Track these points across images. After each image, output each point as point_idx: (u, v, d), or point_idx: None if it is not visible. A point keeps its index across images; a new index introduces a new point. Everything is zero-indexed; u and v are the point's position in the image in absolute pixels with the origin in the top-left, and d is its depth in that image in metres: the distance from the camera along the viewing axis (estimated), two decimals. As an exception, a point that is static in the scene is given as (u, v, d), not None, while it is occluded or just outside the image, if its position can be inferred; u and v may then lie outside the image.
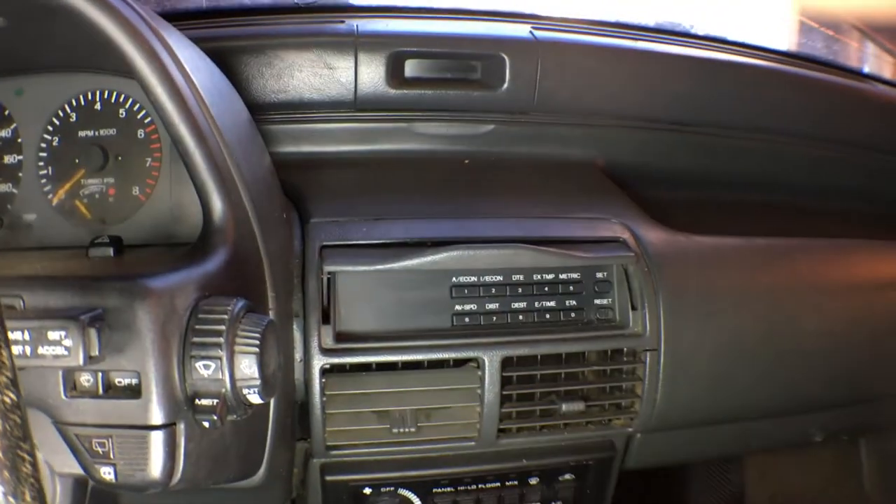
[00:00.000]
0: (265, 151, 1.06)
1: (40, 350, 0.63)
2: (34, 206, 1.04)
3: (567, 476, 1.20)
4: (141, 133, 1.04)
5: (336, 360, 1.05)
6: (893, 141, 1.59)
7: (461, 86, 1.30)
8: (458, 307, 1.12)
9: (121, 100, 1.04)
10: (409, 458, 1.14)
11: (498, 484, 1.18)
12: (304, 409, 1.07)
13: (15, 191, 1.04)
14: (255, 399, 0.73)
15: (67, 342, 0.63)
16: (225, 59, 1.16)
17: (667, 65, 1.42)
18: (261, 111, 1.23)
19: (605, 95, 1.37)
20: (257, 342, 0.72)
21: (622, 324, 1.17)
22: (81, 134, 1.04)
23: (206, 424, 0.72)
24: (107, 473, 0.70)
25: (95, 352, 0.65)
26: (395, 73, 1.27)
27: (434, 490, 1.16)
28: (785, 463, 1.90)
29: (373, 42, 1.25)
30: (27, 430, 0.46)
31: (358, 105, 1.28)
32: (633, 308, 1.16)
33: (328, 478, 1.12)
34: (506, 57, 1.29)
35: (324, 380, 1.05)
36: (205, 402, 0.72)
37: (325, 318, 1.06)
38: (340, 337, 1.07)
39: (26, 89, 1.05)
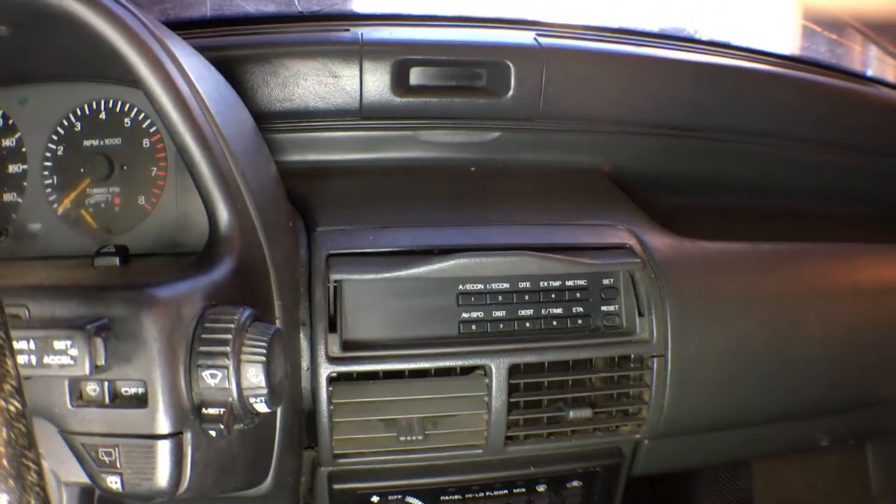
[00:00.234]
0: (271, 160, 1.06)
1: (46, 359, 0.63)
2: (39, 216, 1.04)
3: (575, 483, 1.20)
4: (146, 142, 1.04)
5: (343, 369, 1.05)
6: (897, 144, 1.60)
7: (466, 93, 1.30)
8: (464, 315, 1.12)
9: (125, 109, 1.04)
10: (416, 465, 1.13)
11: (505, 491, 1.18)
12: (311, 417, 1.07)
13: (20, 200, 1.04)
14: (261, 408, 0.73)
15: (73, 351, 0.63)
16: (230, 68, 1.16)
17: (671, 70, 1.42)
18: (266, 120, 1.23)
19: (610, 101, 1.37)
20: (264, 351, 0.72)
21: (629, 330, 1.16)
22: (86, 143, 1.04)
23: (213, 433, 0.72)
24: (113, 483, 0.70)
25: (101, 361, 0.64)
26: (400, 81, 1.27)
27: (441, 498, 1.16)
28: (792, 468, 1.90)
29: (378, 50, 1.25)
30: (32, 439, 0.46)
31: (363, 113, 1.28)
32: (640, 314, 1.16)
33: (336, 486, 1.12)
34: (510, 64, 1.29)
35: (331, 388, 1.05)
36: (211, 410, 0.71)
37: (332, 327, 1.06)
38: (347, 345, 1.06)
39: (30, 98, 1.05)
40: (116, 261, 0.87)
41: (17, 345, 0.61)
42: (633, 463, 1.26)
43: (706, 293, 1.22)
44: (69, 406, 0.69)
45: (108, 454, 0.70)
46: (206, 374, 0.71)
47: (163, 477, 0.70)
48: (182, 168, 1.00)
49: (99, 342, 0.64)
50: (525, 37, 1.35)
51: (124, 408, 0.70)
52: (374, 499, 1.13)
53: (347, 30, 1.31)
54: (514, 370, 1.09)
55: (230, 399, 0.71)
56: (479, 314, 1.12)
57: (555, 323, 1.15)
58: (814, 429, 1.45)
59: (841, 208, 1.65)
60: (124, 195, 1.04)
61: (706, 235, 1.29)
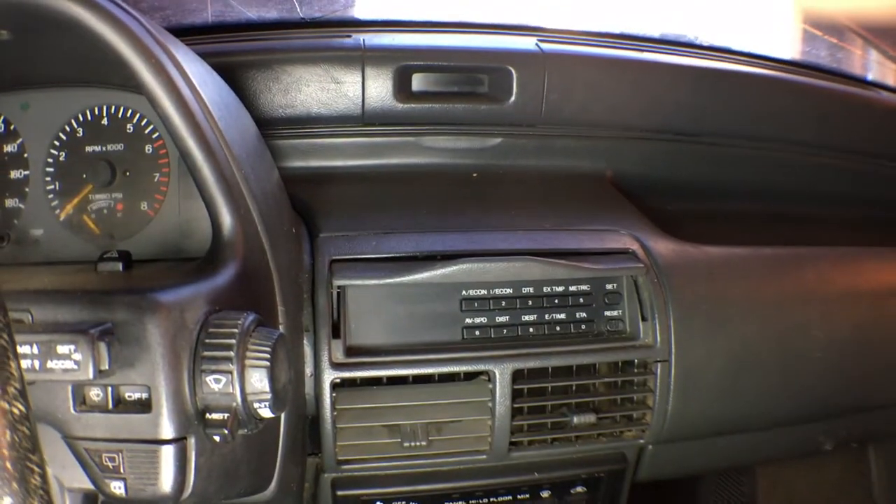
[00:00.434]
0: (273, 166, 1.06)
1: (49, 364, 0.62)
2: (41, 222, 1.04)
3: (579, 488, 1.20)
4: (149, 148, 1.04)
5: (346, 375, 1.05)
6: (898, 147, 1.60)
7: (468, 99, 1.30)
8: (468, 320, 1.12)
9: (128, 115, 1.04)
10: (420, 472, 1.13)
11: (509, 497, 1.18)
12: (314, 423, 1.06)
13: (21, 206, 1.04)
14: (265, 413, 0.73)
15: (77, 356, 0.62)
16: (232, 74, 1.16)
17: (672, 75, 1.42)
18: (268, 126, 1.23)
19: (612, 106, 1.37)
20: (268, 356, 0.72)
21: (633, 335, 1.16)
22: (89, 149, 1.04)
23: (217, 439, 0.72)
24: (117, 488, 0.70)
25: (105, 366, 0.64)
26: (402, 87, 1.27)
27: (445, 504, 1.16)
28: (795, 472, 1.89)
29: (380, 56, 1.25)
30: (36, 442, 0.45)
31: (365, 119, 1.28)
32: (644, 319, 1.16)
33: (339, 492, 1.11)
34: (512, 70, 1.29)
35: (334, 394, 1.05)
36: (215, 416, 0.71)
37: (336, 333, 1.06)
38: (351, 351, 1.06)
39: (32, 104, 1.05)
40: (119, 266, 0.87)
41: (20, 349, 0.61)
42: (637, 468, 1.26)
43: (709, 298, 1.21)
44: (72, 411, 0.69)
45: (112, 459, 0.69)
46: (209, 378, 0.70)
47: (167, 482, 0.70)
48: (185, 173, 1.00)
49: (102, 347, 0.64)
50: (527, 42, 1.35)
51: (128, 413, 0.69)
52: (378, 505, 1.13)
53: (349, 36, 1.31)
54: (517, 375, 1.09)
55: (234, 404, 0.71)
56: (483, 319, 1.12)
57: (558, 328, 1.14)
58: (817, 432, 1.44)
59: (843, 212, 1.64)
60: (127, 201, 1.04)
61: (709, 240, 1.29)
